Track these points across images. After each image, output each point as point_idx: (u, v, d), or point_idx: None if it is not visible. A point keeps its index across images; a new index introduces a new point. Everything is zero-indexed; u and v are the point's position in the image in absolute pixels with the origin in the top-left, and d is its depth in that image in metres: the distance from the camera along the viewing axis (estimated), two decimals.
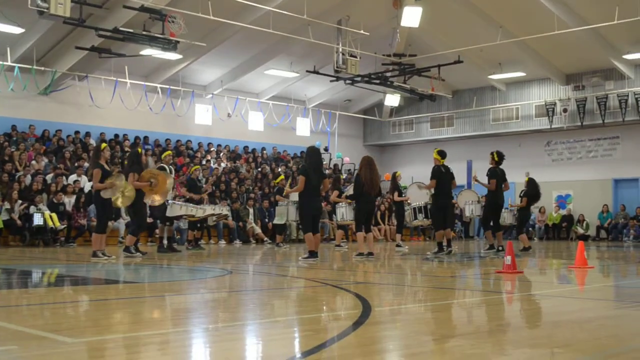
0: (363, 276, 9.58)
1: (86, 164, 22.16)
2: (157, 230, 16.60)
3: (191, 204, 15.59)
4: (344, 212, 16.91)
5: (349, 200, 16.46)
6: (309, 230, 12.44)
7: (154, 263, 12.03)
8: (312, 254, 12.20)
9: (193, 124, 27.42)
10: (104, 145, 12.64)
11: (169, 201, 14.99)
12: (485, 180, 14.78)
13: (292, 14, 20.59)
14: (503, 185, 14.87)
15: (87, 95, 23.26)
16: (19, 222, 18.34)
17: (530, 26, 23.21)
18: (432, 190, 14.36)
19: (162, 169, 14.67)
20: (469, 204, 16.96)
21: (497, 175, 14.70)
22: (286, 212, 17.87)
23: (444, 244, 13.83)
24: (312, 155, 12.67)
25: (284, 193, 17.79)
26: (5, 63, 21.14)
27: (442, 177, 13.74)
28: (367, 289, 7.71)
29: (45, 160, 21.77)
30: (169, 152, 15.75)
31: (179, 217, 15.77)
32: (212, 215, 16.59)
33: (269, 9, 20.49)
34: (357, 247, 13.47)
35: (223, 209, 17.13)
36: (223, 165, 26.32)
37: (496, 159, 14.87)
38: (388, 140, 34.35)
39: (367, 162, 13.35)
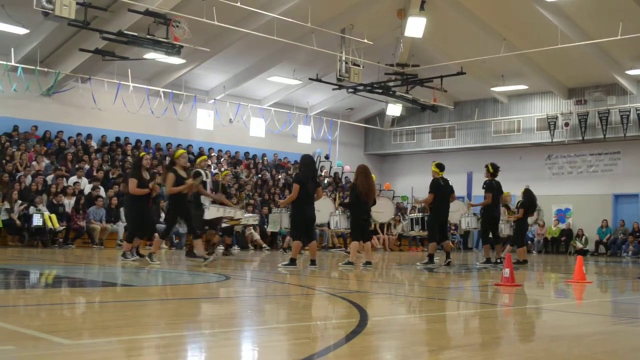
0: (361, 285, 9.57)
1: (87, 166, 22.19)
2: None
3: (228, 207, 15.12)
4: (338, 221, 16.87)
5: (343, 208, 16.42)
6: (298, 238, 12.41)
7: (153, 267, 12.01)
8: (293, 261, 12.18)
9: (194, 129, 27.43)
10: (142, 153, 12.83)
11: (206, 205, 14.66)
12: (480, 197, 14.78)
13: (297, 21, 20.63)
14: (500, 198, 14.87)
15: (89, 98, 23.26)
16: (18, 222, 18.35)
17: (534, 39, 23.24)
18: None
19: (198, 173, 14.45)
20: (465, 216, 16.92)
21: (492, 188, 14.67)
22: (279, 220, 17.83)
23: (436, 256, 13.80)
24: (307, 164, 12.61)
25: (280, 204, 17.60)
26: (8, 63, 21.12)
27: (440, 190, 13.75)
28: (364, 298, 7.70)
29: (46, 161, 21.77)
30: (204, 156, 15.72)
31: (219, 220, 15.29)
32: (245, 222, 16.40)
33: (273, 16, 20.52)
34: (350, 255, 13.42)
35: (255, 218, 16.94)
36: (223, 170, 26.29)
37: (491, 171, 14.82)
38: (389, 150, 34.36)
39: (363, 171, 13.28)
